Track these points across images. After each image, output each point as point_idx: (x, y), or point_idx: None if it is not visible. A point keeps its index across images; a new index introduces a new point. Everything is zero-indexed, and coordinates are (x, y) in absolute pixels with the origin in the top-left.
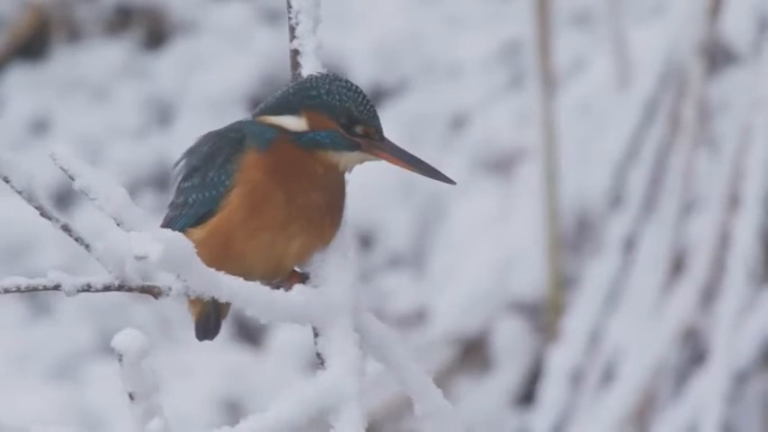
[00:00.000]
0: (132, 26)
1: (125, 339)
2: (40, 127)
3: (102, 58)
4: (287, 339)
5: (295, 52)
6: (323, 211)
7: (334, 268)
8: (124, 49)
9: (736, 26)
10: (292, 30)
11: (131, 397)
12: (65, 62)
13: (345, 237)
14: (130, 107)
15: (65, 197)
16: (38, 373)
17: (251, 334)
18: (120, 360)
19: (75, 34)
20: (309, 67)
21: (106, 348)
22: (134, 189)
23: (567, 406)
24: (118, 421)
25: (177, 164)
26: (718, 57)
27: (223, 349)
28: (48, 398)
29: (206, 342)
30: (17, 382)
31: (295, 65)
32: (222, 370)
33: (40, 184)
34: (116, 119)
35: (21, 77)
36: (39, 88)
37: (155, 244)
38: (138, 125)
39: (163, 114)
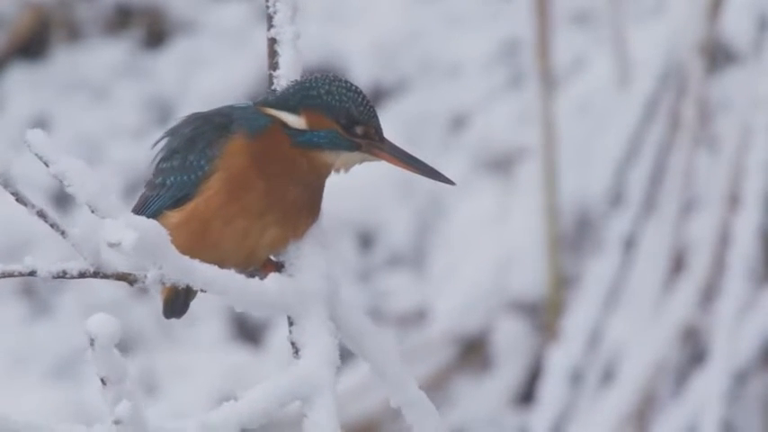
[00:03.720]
0: (132, 26)
1: (97, 323)
2: (40, 126)
3: (102, 57)
4: (286, 339)
5: (272, 41)
6: (300, 205)
7: (310, 258)
8: (124, 49)
9: (735, 26)
10: (270, 18)
11: (103, 382)
12: (65, 62)
13: (323, 227)
14: (130, 107)
15: (63, 197)
16: (38, 373)
17: (250, 333)
18: (92, 344)
19: (75, 34)
20: (287, 57)
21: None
22: (133, 189)
23: (566, 405)
24: None
25: (157, 142)
26: (718, 56)
27: (222, 349)
28: (48, 397)
29: (200, 336)
30: (17, 381)
31: (272, 53)
32: (221, 369)
33: (20, 172)
34: (116, 118)
35: (21, 77)
36: (39, 88)
37: (128, 231)
38: (138, 125)
39: (163, 114)
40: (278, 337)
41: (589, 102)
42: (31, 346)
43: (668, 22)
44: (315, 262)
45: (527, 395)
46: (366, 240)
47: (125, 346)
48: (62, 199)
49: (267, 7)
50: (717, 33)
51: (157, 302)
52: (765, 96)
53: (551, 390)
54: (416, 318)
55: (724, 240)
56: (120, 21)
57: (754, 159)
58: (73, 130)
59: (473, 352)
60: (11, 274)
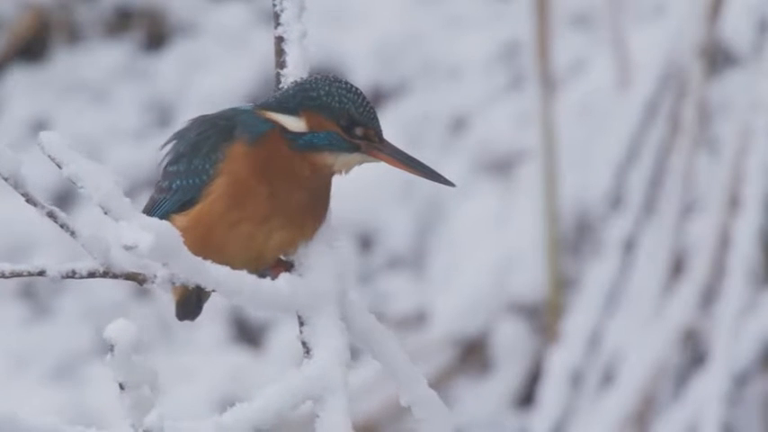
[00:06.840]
0: (132, 28)
1: (117, 330)
2: (39, 128)
3: (102, 59)
4: (286, 340)
5: (279, 39)
6: (304, 209)
7: (319, 258)
8: (124, 51)
9: (736, 27)
10: (277, 16)
11: (121, 387)
12: (65, 63)
13: (331, 228)
14: (130, 109)
15: (66, 197)
16: (38, 374)
17: (250, 335)
18: (112, 350)
19: (75, 36)
20: (294, 55)
21: (106, 349)
22: (134, 190)
23: (566, 407)
24: (117, 422)
25: (165, 145)
26: (718, 58)
27: (223, 350)
28: (47, 398)
29: (201, 338)
30: (17, 382)
31: (279, 52)
32: (222, 371)
33: (28, 173)
34: (116, 120)
35: (21, 79)
36: (39, 90)
37: (144, 234)
38: (138, 127)
39: (163, 116)
40: (279, 338)
41: (589, 104)
42: (32, 347)
43: (668, 25)
44: (324, 261)
45: (527, 397)
46: (366, 242)
47: None
48: (65, 198)
49: (274, 5)
50: (717, 35)
51: (161, 304)
52: (765, 98)
53: (551, 392)
54: (416, 320)
55: (724, 243)
56: (120, 22)
57: (754, 162)
58: (73, 131)
59: (473, 354)
60: (20, 274)
